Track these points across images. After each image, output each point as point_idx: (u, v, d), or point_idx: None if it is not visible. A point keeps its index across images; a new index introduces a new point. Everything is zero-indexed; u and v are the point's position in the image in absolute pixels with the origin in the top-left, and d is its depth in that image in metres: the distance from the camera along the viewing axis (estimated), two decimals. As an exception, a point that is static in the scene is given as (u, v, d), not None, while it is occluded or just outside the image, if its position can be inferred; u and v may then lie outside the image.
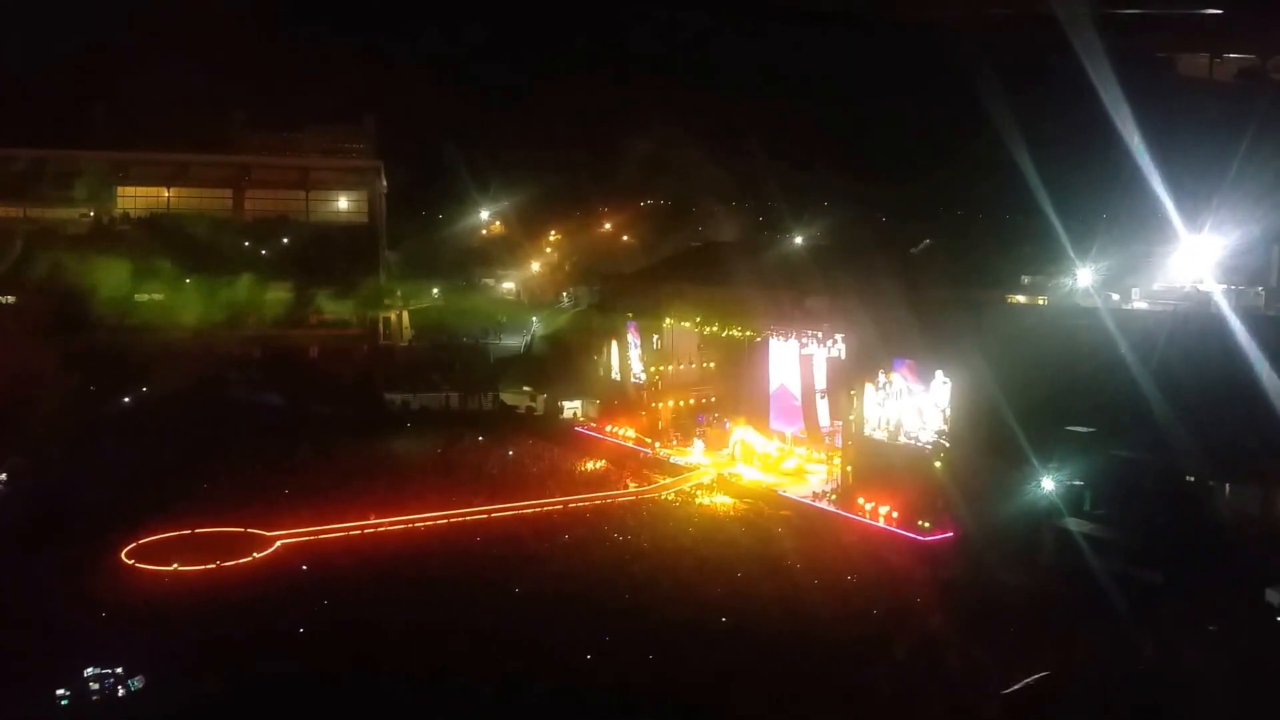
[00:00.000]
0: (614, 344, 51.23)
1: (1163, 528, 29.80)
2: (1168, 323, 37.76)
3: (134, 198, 70.03)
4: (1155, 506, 30.68)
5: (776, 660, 24.40)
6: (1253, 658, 23.86)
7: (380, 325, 67.90)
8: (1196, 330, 36.38)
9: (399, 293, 70.31)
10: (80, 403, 48.67)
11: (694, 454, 44.80)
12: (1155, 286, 47.79)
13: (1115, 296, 47.25)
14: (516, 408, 54.33)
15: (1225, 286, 43.44)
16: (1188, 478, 31.58)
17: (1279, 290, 44.95)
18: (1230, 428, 30.47)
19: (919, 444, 36.01)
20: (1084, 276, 47.05)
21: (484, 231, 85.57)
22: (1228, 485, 31.09)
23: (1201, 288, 44.94)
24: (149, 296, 62.74)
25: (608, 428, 48.67)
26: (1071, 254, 46.98)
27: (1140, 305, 47.38)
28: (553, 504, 37.75)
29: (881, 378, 37.22)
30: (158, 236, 65.27)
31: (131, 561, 31.30)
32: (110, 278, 60.79)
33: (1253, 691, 22.28)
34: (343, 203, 73.06)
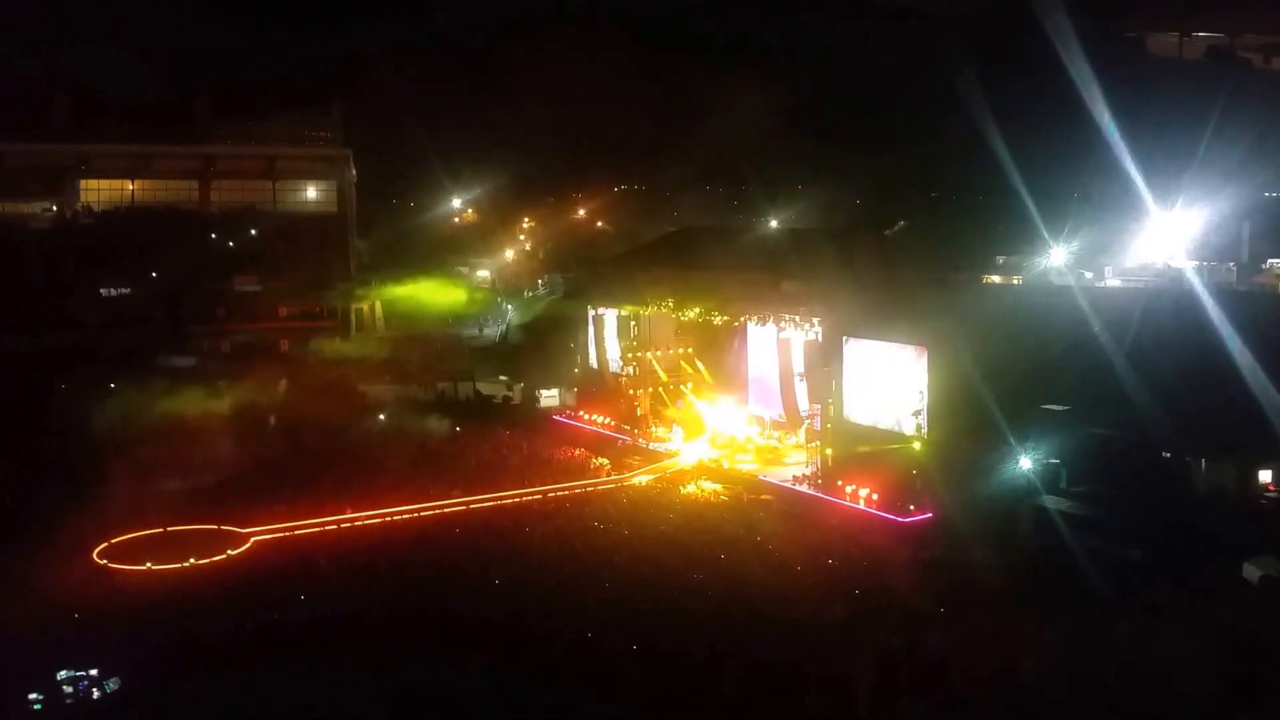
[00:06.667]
0: (590, 331, 50.91)
1: (1140, 504, 30.03)
2: (1141, 300, 38.21)
3: (97, 190, 68.69)
4: (1132, 483, 30.91)
5: (761, 643, 24.31)
6: (1230, 631, 24.03)
7: (353, 316, 67.14)
8: (1169, 307, 36.79)
9: (371, 283, 69.53)
10: (47, 399, 47.73)
11: (673, 440, 44.67)
12: (1128, 264, 48.34)
13: (1089, 275, 47.73)
14: (493, 397, 53.91)
15: (1197, 263, 44.01)
16: (1163, 453, 31.89)
17: (1250, 266, 45.60)
18: (1205, 403, 30.80)
19: (897, 425, 36.05)
20: (1058, 256, 47.48)
21: (456, 219, 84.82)
22: (1203, 460, 31.39)
23: (1174, 265, 45.45)
24: (114, 291, 61.64)
25: (586, 416, 48.43)
26: (1046, 234, 47.40)
27: (1114, 283, 47.91)
28: (532, 494, 37.48)
29: (859, 359, 37.21)
30: (122, 229, 64.09)
31: (104, 561, 30.71)
32: (74, 272, 59.69)
33: (1230, 664, 22.45)
34: (311, 192, 72.03)
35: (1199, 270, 42.95)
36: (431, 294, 67.56)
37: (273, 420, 46.87)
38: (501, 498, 36.77)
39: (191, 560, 30.60)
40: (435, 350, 59.70)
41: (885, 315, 36.34)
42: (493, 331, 66.44)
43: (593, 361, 51.05)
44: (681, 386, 48.51)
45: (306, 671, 23.27)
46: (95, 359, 52.50)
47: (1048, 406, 33.11)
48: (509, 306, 68.78)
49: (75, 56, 72.13)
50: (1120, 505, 30.26)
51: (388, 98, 74.82)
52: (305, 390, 51.59)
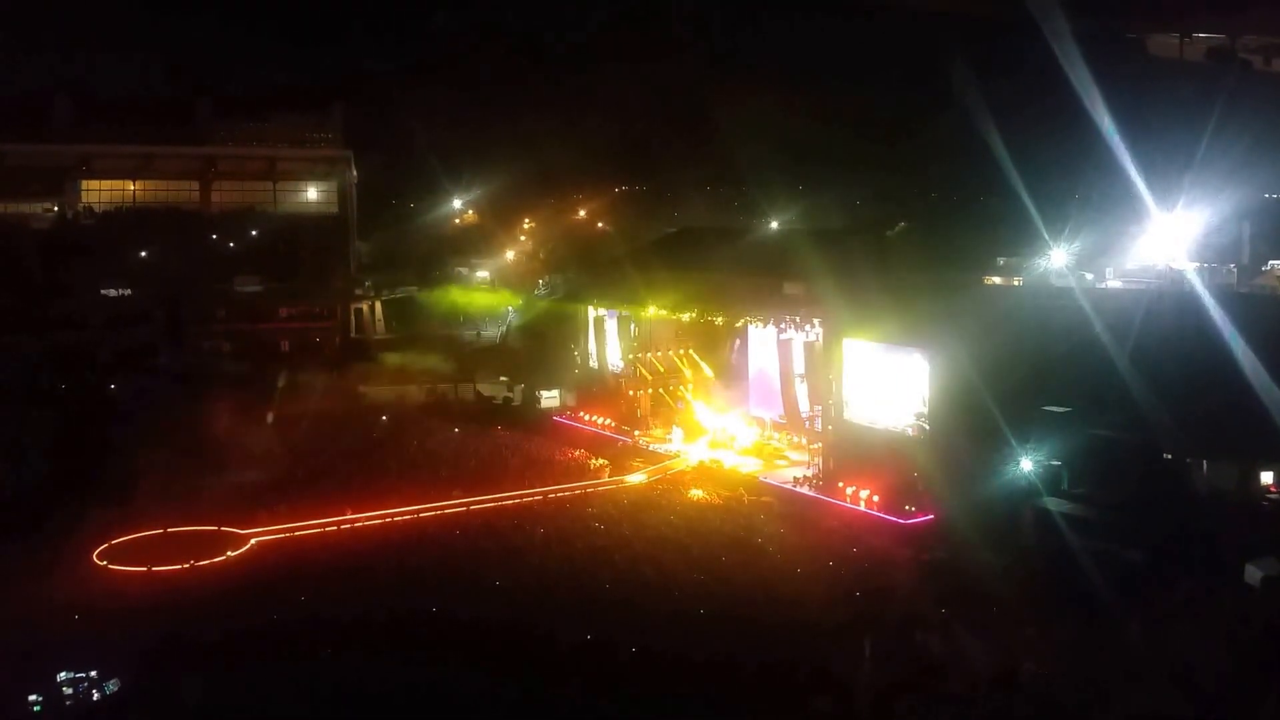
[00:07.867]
0: (591, 332, 50.91)
1: (1141, 505, 29.95)
2: (1142, 301, 38.11)
3: (99, 191, 68.76)
4: (1133, 484, 30.83)
5: (762, 645, 24.28)
6: (1232, 632, 24.00)
7: (352, 317, 67.17)
8: (1170, 308, 36.72)
9: (371, 284, 69.57)
10: (47, 400, 47.74)
11: (674, 441, 44.65)
12: (1129, 266, 48.35)
13: (1090, 276, 47.78)
14: (494, 398, 53.91)
15: (1198, 264, 44.02)
16: (1165, 455, 31.82)
17: (1250, 268, 45.59)
18: (1206, 404, 30.71)
19: (898, 427, 36.02)
20: (1058, 257, 47.55)
21: (457, 220, 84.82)
22: (1205, 461, 31.34)
23: (1174, 266, 45.45)
24: (115, 291, 61.69)
25: (586, 417, 48.40)
26: (1046, 235, 47.47)
27: (1114, 284, 47.94)
28: (532, 495, 37.46)
29: (859, 361, 37.18)
30: (123, 230, 64.18)
31: (103, 562, 30.69)
32: (75, 272, 59.74)
33: (1232, 665, 22.42)
34: (312, 193, 72.11)
35: (1199, 272, 42.97)
36: (432, 296, 67.64)
37: (272, 421, 46.83)
38: (502, 499, 36.75)
39: (191, 561, 30.57)
40: (435, 351, 59.71)
41: (886, 317, 36.31)
42: (492, 332, 66.47)
43: (593, 362, 51.06)
44: (682, 388, 48.51)
45: (307, 673, 23.27)
46: (96, 359, 52.55)
47: (1049, 408, 33.03)
48: (509, 307, 68.78)
49: (76, 56, 72.19)
50: (1122, 507, 30.18)
51: (388, 99, 74.86)
52: (305, 392, 51.66)
